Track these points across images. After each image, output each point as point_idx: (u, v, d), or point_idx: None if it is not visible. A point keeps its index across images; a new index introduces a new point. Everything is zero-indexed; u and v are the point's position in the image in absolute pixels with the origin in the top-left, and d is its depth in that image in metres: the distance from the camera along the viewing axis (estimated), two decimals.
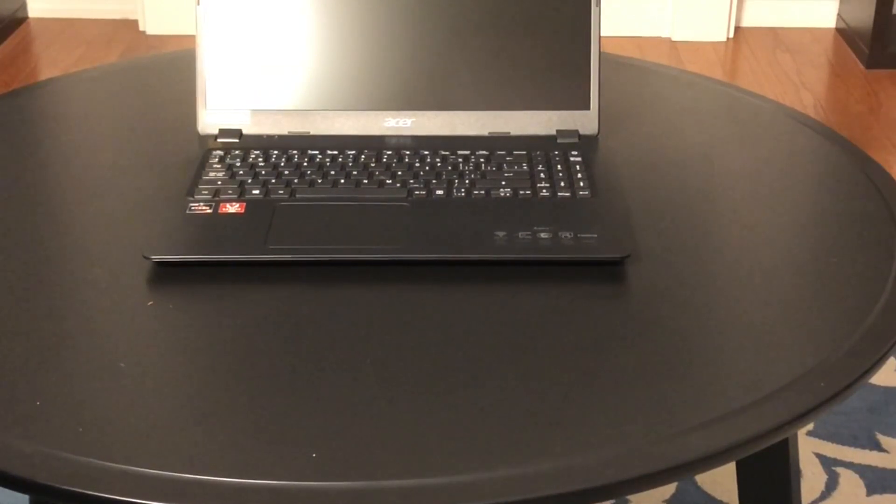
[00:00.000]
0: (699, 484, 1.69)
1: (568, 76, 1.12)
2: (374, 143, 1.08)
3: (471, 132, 1.11)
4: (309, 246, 0.93)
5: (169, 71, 1.35)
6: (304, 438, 0.73)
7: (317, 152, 1.06)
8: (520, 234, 0.94)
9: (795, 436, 1.18)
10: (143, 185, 1.06)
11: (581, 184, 1.02)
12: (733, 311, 0.90)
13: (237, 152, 1.07)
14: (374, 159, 1.05)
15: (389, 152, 1.07)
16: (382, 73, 1.12)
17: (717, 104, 1.30)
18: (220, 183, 1.02)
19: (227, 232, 0.95)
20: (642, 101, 1.27)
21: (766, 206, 1.05)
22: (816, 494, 1.69)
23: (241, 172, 1.04)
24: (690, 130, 1.22)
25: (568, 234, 0.94)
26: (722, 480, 1.69)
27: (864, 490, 1.70)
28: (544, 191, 1.01)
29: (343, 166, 1.04)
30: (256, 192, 1.00)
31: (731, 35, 3.43)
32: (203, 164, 1.05)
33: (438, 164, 1.05)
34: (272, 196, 1.00)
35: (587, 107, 1.11)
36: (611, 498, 0.75)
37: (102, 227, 0.98)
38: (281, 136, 1.10)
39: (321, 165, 1.04)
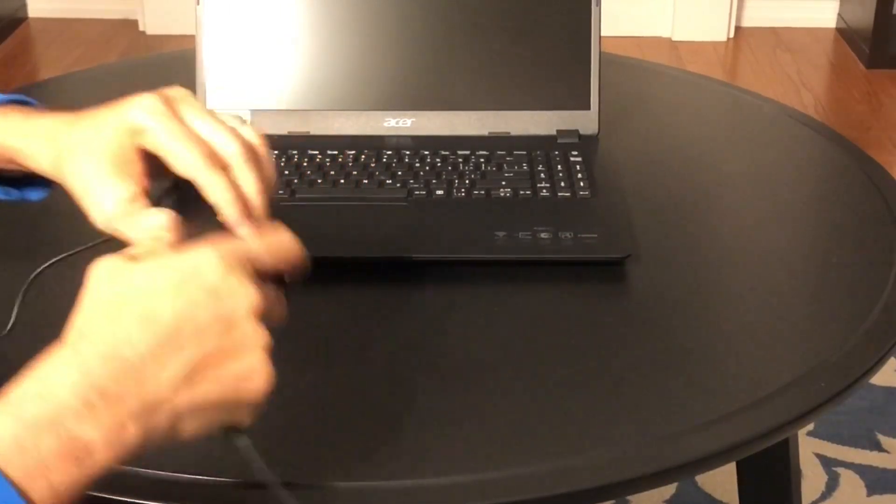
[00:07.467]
0: (699, 484, 1.69)
1: (568, 76, 1.12)
2: (374, 143, 1.08)
3: (471, 132, 1.11)
4: (308, 246, 0.93)
5: (169, 71, 1.35)
6: (304, 438, 0.73)
7: (317, 152, 1.06)
8: (520, 234, 0.94)
9: (795, 436, 1.18)
10: None
11: (581, 184, 1.01)
12: (733, 311, 0.90)
13: None
14: (373, 159, 1.05)
15: (389, 152, 1.07)
16: (382, 73, 1.12)
17: (718, 104, 1.30)
18: None
19: None
20: (642, 101, 1.27)
21: (766, 206, 1.05)
22: (817, 495, 1.69)
23: None
24: (690, 130, 1.22)
25: (568, 234, 0.93)
26: (722, 480, 1.68)
27: (864, 490, 1.70)
28: (544, 191, 1.00)
29: (343, 166, 1.04)
30: None
31: (732, 35, 3.43)
32: None
33: (438, 164, 1.05)
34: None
35: (587, 107, 1.11)
36: (610, 498, 0.75)
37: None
38: (281, 137, 1.10)
39: (321, 165, 1.04)
